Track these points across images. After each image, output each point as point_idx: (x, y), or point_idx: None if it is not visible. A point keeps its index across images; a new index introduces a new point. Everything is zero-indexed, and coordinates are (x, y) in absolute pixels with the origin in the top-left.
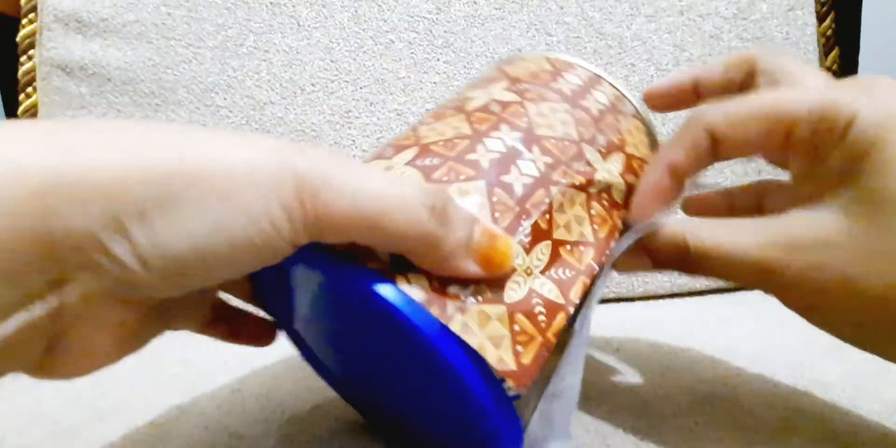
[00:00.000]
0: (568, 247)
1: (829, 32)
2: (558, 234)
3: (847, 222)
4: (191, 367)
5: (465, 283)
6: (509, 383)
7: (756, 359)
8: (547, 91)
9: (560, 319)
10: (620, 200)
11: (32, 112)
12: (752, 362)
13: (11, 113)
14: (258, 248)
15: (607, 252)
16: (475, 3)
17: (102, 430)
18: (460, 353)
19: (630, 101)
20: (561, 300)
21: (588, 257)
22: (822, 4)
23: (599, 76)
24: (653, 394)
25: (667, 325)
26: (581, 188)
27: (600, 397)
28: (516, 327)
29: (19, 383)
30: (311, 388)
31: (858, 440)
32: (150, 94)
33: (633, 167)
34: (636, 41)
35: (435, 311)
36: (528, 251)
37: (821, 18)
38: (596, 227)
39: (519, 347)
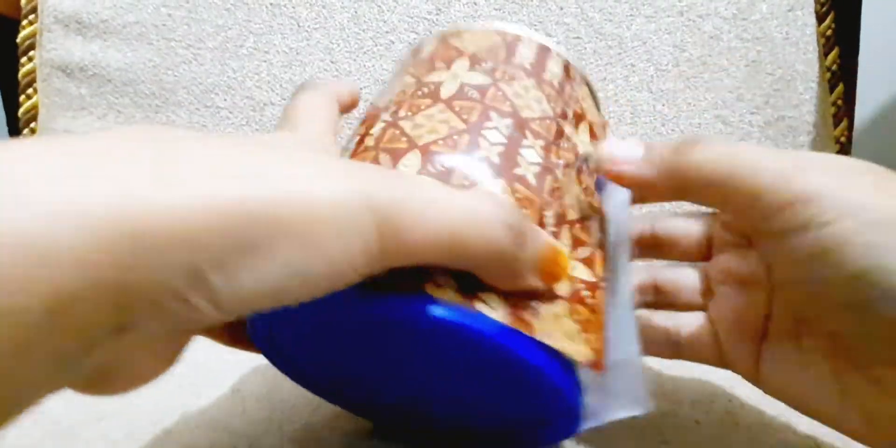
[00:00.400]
0: (578, 225)
1: (829, 32)
2: (570, 215)
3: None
4: (191, 366)
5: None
6: (592, 370)
7: None
8: (512, 69)
9: (600, 296)
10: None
11: (33, 113)
12: None
13: (12, 114)
14: (329, 283)
15: (604, 220)
16: (475, 3)
17: (102, 430)
18: (546, 359)
19: (576, 68)
20: (594, 278)
21: (594, 230)
22: (822, 4)
23: (545, 46)
24: (653, 392)
25: None
26: (571, 165)
27: None
28: (578, 317)
29: None
30: None
31: None
32: (151, 95)
33: (595, 133)
34: (636, 41)
35: (517, 325)
36: (557, 239)
37: (821, 18)
38: (590, 199)
39: (585, 335)
